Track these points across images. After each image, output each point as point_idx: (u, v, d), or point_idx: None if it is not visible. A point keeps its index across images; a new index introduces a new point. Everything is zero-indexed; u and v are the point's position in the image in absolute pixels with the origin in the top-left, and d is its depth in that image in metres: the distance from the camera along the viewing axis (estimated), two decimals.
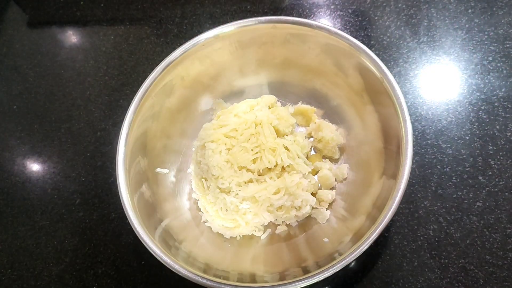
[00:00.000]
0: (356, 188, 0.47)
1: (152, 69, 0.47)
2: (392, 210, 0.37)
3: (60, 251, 0.53)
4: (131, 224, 0.42)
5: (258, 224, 0.47)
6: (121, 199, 0.43)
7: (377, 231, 0.36)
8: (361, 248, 0.36)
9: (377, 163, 0.44)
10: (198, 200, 0.49)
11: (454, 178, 0.49)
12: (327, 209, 0.48)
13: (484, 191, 0.48)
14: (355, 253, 0.36)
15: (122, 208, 0.54)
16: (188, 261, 0.40)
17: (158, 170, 0.49)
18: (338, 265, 0.35)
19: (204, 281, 0.37)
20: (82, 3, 0.74)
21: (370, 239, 0.36)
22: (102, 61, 0.67)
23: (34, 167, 0.60)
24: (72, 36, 0.72)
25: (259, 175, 0.46)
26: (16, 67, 0.70)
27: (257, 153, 0.46)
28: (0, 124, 0.65)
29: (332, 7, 0.65)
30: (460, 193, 0.48)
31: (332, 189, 0.49)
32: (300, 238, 0.47)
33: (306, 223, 0.48)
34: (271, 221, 0.47)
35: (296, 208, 0.46)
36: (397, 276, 0.45)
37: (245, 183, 0.45)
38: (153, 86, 0.48)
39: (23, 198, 0.58)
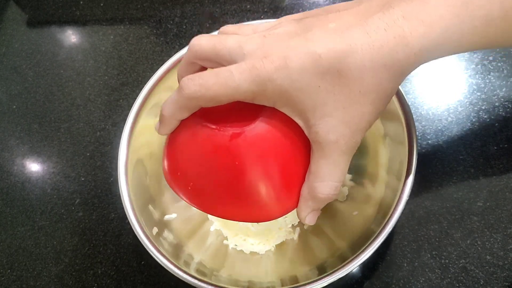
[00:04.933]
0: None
1: (152, 69, 0.48)
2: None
3: (60, 251, 0.53)
4: (131, 225, 0.41)
5: (290, 224, 0.46)
6: (121, 198, 0.43)
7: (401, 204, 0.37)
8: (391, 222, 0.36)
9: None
10: (219, 227, 0.47)
11: (454, 178, 0.49)
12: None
13: (485, 191, 0.48)
14: (387, 228, 0.36)
15: (122, 208, 0.54)
16: (200, 272, 0.40)
17: (167, 217, 0.46)
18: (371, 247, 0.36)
19: None
20: (81, 2, 0.74)
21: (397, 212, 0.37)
22: (102, 61, 0.67)
23: (34, 167, 0.60)
24: (71, 36, 0.72)
25: None
26: (15, 67, 0.69)
27: None
28: None
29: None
30: (460, 193, 0.48)
31: None
32: (327, 224, 0.46)
33: (326, 208, 0.48)
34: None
35: None
36: (397, 276, 0.45)
37: None
38: (159, 82, 0.48)
39: (22, 198, 0.58)
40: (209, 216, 0.48)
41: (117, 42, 0.68)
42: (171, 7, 0.70)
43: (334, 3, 0.65)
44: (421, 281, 0.45)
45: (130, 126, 0.46)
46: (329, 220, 0.46)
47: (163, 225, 0.44)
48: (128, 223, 0.53)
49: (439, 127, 0.52)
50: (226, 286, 0.37)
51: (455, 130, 0.52)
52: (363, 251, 0.36)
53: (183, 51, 0.48)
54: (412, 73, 0.57)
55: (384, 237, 0.36)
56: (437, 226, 0.47)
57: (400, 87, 0.42)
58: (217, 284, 0.37)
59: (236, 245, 0.46)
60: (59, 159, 0.60)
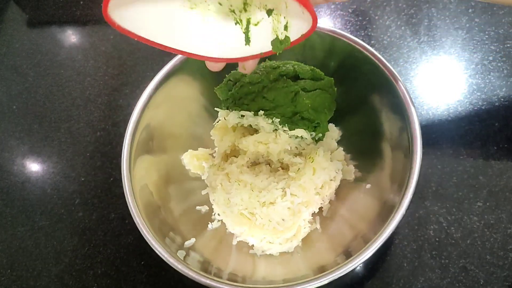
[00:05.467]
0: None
1: (152, 69, 0.47)
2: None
3: (60, 251, 0.53)
4: (136, 224, 0.41)
5: (310, 214, 0.46)
6: (125, 195, 0.42)
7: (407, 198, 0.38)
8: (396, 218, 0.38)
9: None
10: (243, 239, 0.47)
11: (454, 178, 0.49)
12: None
13: (484, 191, 0.48)
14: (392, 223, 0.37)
15: (122, 208, 0.54)
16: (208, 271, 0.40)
17: (187, 243, 0.45)
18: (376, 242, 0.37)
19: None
20: (81, 2, 0.74)
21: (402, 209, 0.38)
22: (102, 61, 0.67)
23: (34, 167, 0.60)
24: (71, 36, 0.72)
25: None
26: (16, 67, 0.69)
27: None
28: (0, 124, 0.65)
29: (332, 6, 0.65)
30: (460, 193, 0.48)
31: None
32: (343, 207, 0.47)
33: (337, 191, 0.49)
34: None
35: (332, 179, 0.47)
36: (398, 276, 0.45)
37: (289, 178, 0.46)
38: (165, 79, 0.48)
39: (23, 198, 0.58)
40: (230, 228, 0.47)
41: (117, 42, 0.68)
42: None
43: (334, 3, 0.66)
44: (421, 281, 0.45)
45: (136, 118, 0.46)
46: (344, 202, 0.47)
47: (186, 249, 0.43)
48: (128, 223, 0.53)
49: (439, 127, 0.52)
50: (262, 286, 0.37)
51: (455, 130, 0.52)
52: (384, 228, 0.37)
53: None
54: (412, 73, 0.57)
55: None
56: (437, 226, 0.47)
57: (401, 85, 0.43)
58: (253, 286, 0.37)
59: (263, 251, 0.46)
60: (59, 159, 0.60)
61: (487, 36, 0.58)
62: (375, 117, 0.46)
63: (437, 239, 0.46)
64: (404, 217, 0.48)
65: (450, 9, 0.61)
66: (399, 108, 0.42)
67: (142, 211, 0.42)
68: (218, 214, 0.48)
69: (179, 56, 0.48)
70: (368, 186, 0.46)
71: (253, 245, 0.46)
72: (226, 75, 0.47)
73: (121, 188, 0.55)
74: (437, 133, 0.52)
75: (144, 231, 0.40)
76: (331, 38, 0.47)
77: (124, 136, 0.45)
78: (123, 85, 0.64)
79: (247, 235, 0.46)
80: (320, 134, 0.46)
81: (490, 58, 0.56)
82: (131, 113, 0.46)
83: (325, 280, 0.36)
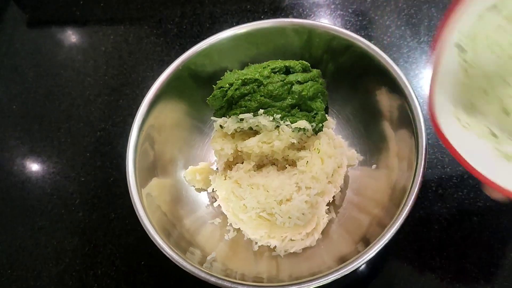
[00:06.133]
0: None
1: (152, 69, 0.47)
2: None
3: (60, 251, 0.53)
4: (140, 221, 0.41)
5: (325, 204, 0.47)
6: (140, 219, 0.42)
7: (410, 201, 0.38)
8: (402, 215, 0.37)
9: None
10: (264, 243, 0.47)
11: (454, 178, 0.49)
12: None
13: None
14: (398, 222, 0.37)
15: (122, 208, 0.54)
16: (224, 273, 0.40)
17: (209, 257, 0.45)
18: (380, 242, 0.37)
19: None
20: (81, 2, 0.74)
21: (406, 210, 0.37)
22: (102, 61, 0.67)
23: (34, 167, 0.60)
24: (71, 36, 0.72)
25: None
26: (16, 67, 0.69)
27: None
28: (0, 124, 0.65)
29: (332, 6, 0.65)
30: (460, 193, 0.48)
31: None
32: (353, 194, 0.48)
33: (345, 179, 0.50)
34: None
35: (340, 166, 0.48)
36: (398, 276, 0.45)
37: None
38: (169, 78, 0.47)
39: (23, 198, 0.58)
40: (250, 234, 0.47)
41: (117, 42, 0.68)
42: (171, 7, 0.70)
43: (334, 2, 0.66)
44: (422, 281, 0.45)
45: (141, 116, 0.46)
46: (353, 188, 0.49)
47: (209, 262, 0.43)
48: (128, 224, 0.53)
49: None
50: (290, 282, 0.37)
51: None
52: (399, 214, 0.37)
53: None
54: (412, 73, 0.57)
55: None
56: (437, 226, 0.47)
57: (401, 82, 0.43)
58: (280, 284, 0.37)
59: (286, 251, 0.46)
60: (59, 159, 0.60)
61: None
62: (371, 99, 0.48)
63: (437, 239, 0.46)
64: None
65: None
66: (395, 86, 0.44)
67: (159, 230, 0.41)
68: (231, 224, 0.47)
69: (157, 83, 0.47)
70: (374, 166, 0.47)
71: (275, 247, 0.45)
72: (213, 86, 0.47)
73: (121, 187, 0.56)
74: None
75: (165, 247, 0.39)
76: (308, 30, 0.48)
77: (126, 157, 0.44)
78: (123, 85, 0.64)
79: (267, 238, 0.46)
80: (320, 125, 0.47)
81: None
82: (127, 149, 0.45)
83: (351, 268, 0.36)
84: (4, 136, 0.63)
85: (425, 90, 0.55)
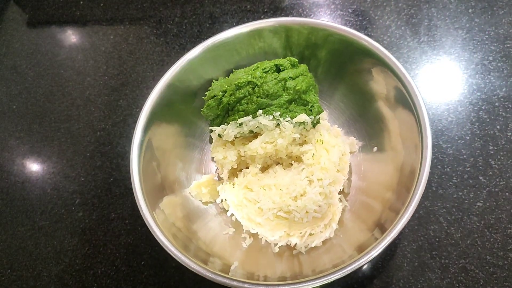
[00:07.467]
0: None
1: (152, 69, 0.47)
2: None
3: (60, 251, 0.53)
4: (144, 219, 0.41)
5: (337, 192, 0.47)
6: (134, 192, 0.42)
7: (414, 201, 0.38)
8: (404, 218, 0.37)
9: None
10: (283, 243, 0.47)
11: (454, 178, 0.49)
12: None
13: (484, 191, 0.48)
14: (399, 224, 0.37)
15: (122, 208, 0.54)
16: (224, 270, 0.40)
17: (233, 267, 0.44)
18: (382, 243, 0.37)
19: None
20: (81, 2, 0.74)
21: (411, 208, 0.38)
22: (102, 61, 0.67)
23: (34, 167, 0.60)
24: (71, 36, 0.72)
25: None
26: (16, 67, 0.69)
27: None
28: (0, 124, 0.65)
29: (332, 6, 0.65)
30: (460, 193, 0.48)
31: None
32: (360, 180, 0.49)
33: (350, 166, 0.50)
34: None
35: (344, 154, 0.48)
36: (398, 276, 0.45)
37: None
38: (172, 77, 0.47)
39: (23, 198, 0.58)
40: (269, 236, 0.46)
41: (117, 42, 0.68)
42: (171, 7, 0.70)
43: (334, 2, 0.66)
44: (421, 281, 0.45)
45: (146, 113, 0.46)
46: (358, 174, 0.49)
47: (232, 271, 0.43)
48: (128, 223, 0.53)
49: (439, 127, 0.52)
50: (315, 276, 0.37)
51: (455, 130, 0.52)
52: (409, 203, 0.38)
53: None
54: (412, 73, 0.57)
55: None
56: (437, 226, 0.47)
57: (401, 82, 0.43)
58: (304, 280, 0.37)
59: (306, 247, 0.46)
60: (59, 159, 0.60)
61: (487, 36, 0.58)
62: (357, 81, 0.49)
63: (437, 239, 0.46)
64: None
65: (450, 9, 0.61)
66: (380, 64, 0.45)
67: (179, 247, 0.41)
68: (247, 232, 0.47)
69: (147, 106, 0.47)
70: (375, 149, 0.48)
71: (295, 244, 0.46)
72: (203, 97, 0.47)
73: (121, 188, 0.56)
74: (437, 133, 0.52)
75: (186, 261, 0.39)
76: (285, 29, 0.49)
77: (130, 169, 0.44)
78: (123, 85, 0.64)
79: (287, 237, 0.46)
80: (318, 117, 0.47)
81: (490, 58, 0.56)
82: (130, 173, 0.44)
83: (373, 254, 0.36)
84: (4, 136, 0.63)
85: (425, 91, 0.55)
